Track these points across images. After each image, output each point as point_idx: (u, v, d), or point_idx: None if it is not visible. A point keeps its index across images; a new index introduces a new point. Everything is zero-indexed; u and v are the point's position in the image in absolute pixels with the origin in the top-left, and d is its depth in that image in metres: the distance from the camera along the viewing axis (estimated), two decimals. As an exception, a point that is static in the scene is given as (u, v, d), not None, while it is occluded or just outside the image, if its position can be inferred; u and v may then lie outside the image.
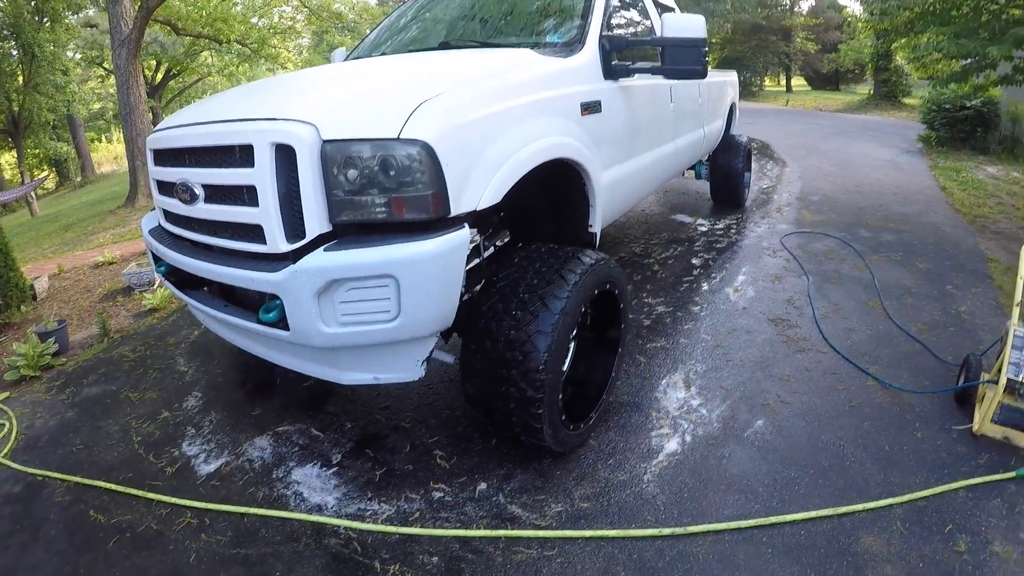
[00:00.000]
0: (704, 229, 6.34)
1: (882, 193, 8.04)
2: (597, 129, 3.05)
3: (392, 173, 1.98)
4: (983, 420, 2.83)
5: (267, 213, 2.06)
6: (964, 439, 2.84)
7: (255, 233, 2.14)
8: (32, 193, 18.03)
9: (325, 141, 1.98)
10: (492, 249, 2.62)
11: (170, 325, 4.51)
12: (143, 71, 21.29)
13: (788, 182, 8.76)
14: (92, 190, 21.85)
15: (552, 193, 3.03)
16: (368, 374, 2.32)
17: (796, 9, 40.07)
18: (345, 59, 4.15)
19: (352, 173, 1.99)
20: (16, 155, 25.68)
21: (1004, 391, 2.73)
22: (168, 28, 14.99)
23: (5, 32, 21.77)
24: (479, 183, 2.17)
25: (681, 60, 3.13)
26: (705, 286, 4.69)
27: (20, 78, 22.90)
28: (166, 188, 2.59)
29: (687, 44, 3.10)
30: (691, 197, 7.85)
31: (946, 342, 3.76)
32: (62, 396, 3.60)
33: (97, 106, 35.49)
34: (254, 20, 18.05)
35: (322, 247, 2.02)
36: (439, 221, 2.06)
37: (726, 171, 6.84)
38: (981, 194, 8.21)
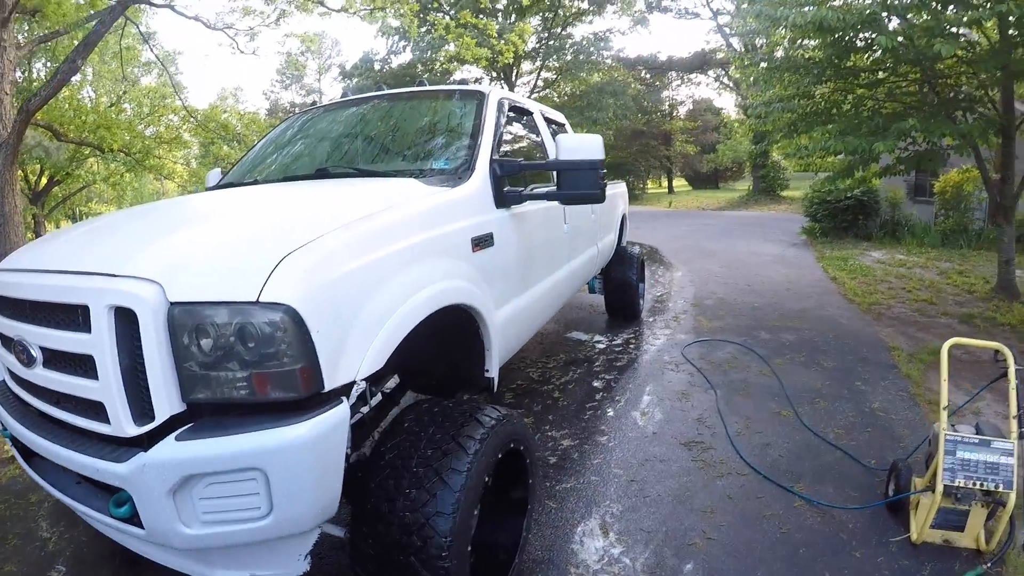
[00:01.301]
0: (602, 346, 6.15)
1: (775, 290, 8.35)
2: (490, 265, 2.84)
3: (252, 344, 1.66)
4: (922, 528, 2.76)
5: (108, 388, 1.72)
6: (904, 550, 2.75)
7: (98, 410, 1.78)
8: None
9: (172, 304, 1.66)
10: (379, 396, 2.32)
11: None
12: (26, 176, 20.03)
13: (681, 287, 8.94)
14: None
15: (443, 335, 2.69)
16: (244, 572, 1.93)
17: (675, 114, 43.50)
18: (219, 182, 3.82)
19: (206, 343, 1.67)
20: None
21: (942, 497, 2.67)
22: (49, 133, 14.22)
23: None
24: (358, 348, 1.88)
25: (578, 184, 2.92)
26: (610, 411, 4.47)
27: None
28: (7, 342, 2.19)
29: (584, 167, 2.89)
30: (585, 312, 7.70)
31: (865, 444, 3.74)
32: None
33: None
34: (141, 127, 17.42)
35: (174, 433, 1.68)
36: (312, 398, 1.75)
37: (620, 284, 6.70)
38: (871, 280, 8.68)
